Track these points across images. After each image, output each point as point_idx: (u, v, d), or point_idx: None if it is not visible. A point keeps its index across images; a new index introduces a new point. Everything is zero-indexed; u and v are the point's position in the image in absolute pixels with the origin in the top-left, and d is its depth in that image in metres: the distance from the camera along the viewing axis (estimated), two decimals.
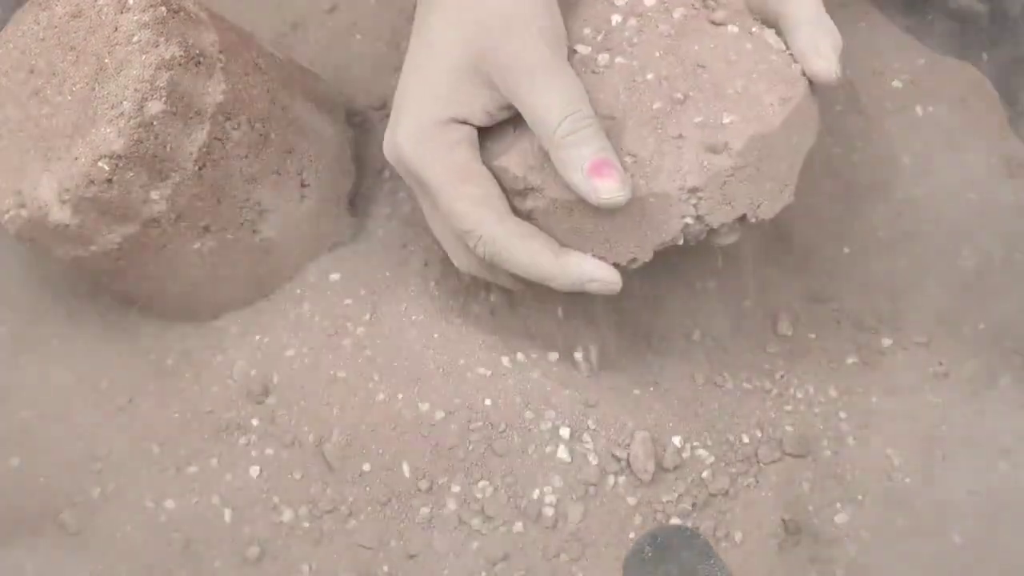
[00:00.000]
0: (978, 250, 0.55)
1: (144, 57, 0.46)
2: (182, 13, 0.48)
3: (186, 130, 0.47)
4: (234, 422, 0.51)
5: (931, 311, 0.54)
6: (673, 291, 0.55)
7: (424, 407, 0.50)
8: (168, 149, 0.47)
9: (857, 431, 0.51)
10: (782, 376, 0.53)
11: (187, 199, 0.48)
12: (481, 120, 0.44)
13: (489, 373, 0.50)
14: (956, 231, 0.56)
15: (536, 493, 0.48)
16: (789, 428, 0.51)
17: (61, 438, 0.52)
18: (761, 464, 0.50)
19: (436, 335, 0.52)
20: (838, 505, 0.49)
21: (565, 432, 0.49)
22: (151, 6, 0.47)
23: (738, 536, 0.48)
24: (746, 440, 0.50)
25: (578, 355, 0.51)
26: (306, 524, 0.49)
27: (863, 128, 0.59)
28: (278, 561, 0.49)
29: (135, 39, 0.46)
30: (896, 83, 0.60)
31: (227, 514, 0.49)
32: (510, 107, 0.43)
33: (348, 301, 0.53)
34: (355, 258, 0.55)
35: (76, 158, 0.46)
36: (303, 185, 0.53)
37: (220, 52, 0.49)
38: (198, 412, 0.52)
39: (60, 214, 0.46)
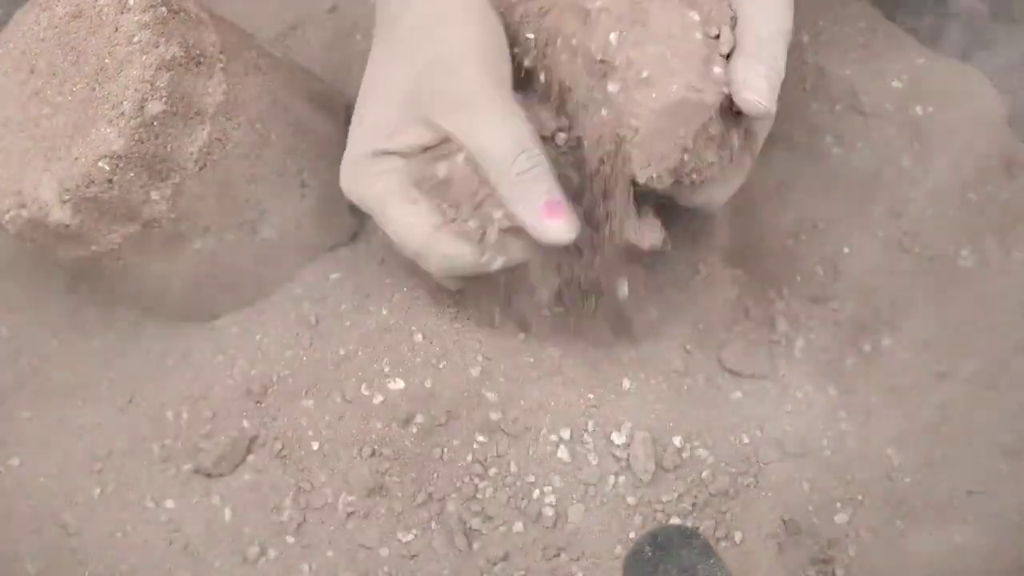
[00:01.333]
0: (978, 250, 0.55)
1: (144, 57, 0.46)
2: (182, 13, 0.48)
3: (186, 130, 0.47)
4: (234, 422, 0.51)
5: (931, 311, 0.54)
6: (673, 290, 0.55)
7: (425, 407, 0.50)
8: (168, 149, 0.47)
9: (857, 431, 0.51)
10: (782, 376, 0.53)
11: (187, 199, 0.48)
12: (413, 153, 0.45)
13: (489, 374, 0.50)
14: (956, 231, 0.56)
15: (536, 493, 0.48)
16: (789, 428, 0.51)
17: (61, 438, 0.52)
18: (761, 464, 0.50)
19: (436, 336, 0.52)
20: (838, 505, 0.49)
21: (565, 432, 0.49)
22: (151, 6, 0.47)
23: (738, 536, 0.48)
24: (746, 440, 0.50)
25: (579, 356, 0.51)
26: (306, 524, 0.49)
27: (863, 128, 0.59)
28: (278, 561, 0.49)
29: (135, 39, 0.46)
30: (896, 83, 0.60)
31: (227, 514, 0.49)
32: (442, 143, 0.45)
33: (348, 301, 0.53)
34: (355, 258, 0.55)
35: (76, 158, 0.46)
36: (303, 185, 0.53)
37: (220, 52, 0.49)
38: (198, 412, 0.52)
39: (60, 214, 0.46)
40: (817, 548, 0.48)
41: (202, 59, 0.47)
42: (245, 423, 0.51)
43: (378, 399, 0.50)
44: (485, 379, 0.50)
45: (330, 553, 0.49)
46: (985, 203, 0.57)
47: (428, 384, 0.50)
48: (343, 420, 0.50)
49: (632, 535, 0.47)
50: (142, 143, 0.46)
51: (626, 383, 0.51)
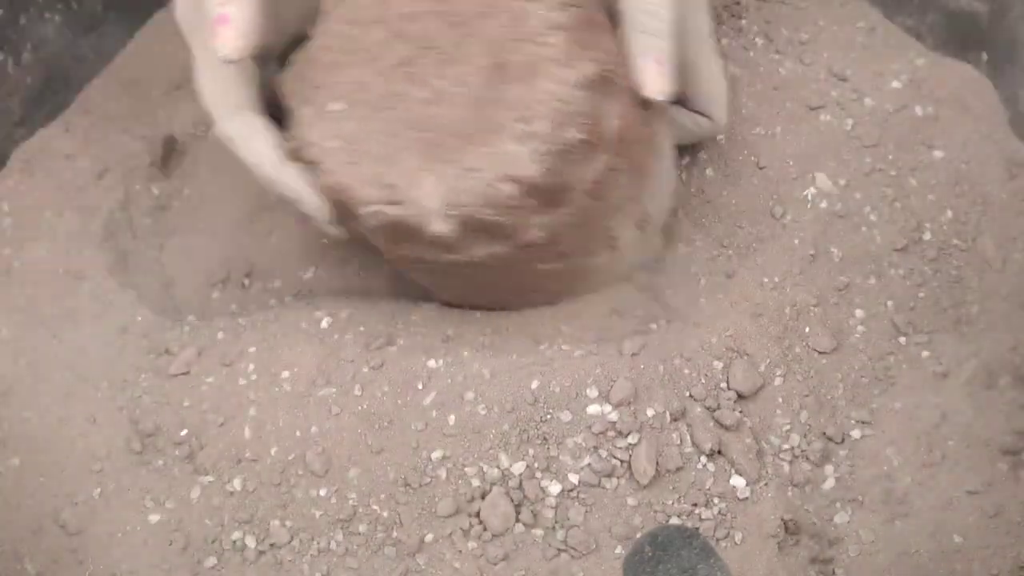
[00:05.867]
0: (978, 250, 0.55)
1: (563, 71, 0.39)
2: (595, 19, 0.41)
3: (588, 158, 0.41)
4: (237, 422, 0.51)
5: (931, 311, 0.54)
6: (673, 292, 0.55)
7: (428, 406, 0.50)
8: (567, 178, 0.41)
9: (857, 431, 0.51)
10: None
11: (564, 227, 0.43)
12: None
13: (487, 373, 0.50)
14: (957, 231, 0.56)
15: (536, 493, 0.48)
16: (789, 429, 0.51)
17: (61, 438, 0.52)
18: (762, 464, 0.50)
19: (437, 339, 0.52)
20: (838, 505, 0.49)
21: (566, 433, 0.49)
22: (568, 5, 0.39)
23: (738, 536, 0.48)
24: (749, 441, 0.50)
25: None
26: (306, 524, 0.49)
27: (863, 128, 0.59)
28: (278, 561, 0.49)
29: (549, 41, 0.39)
30: (896, 83, 0.60)
31: (226, 515, 0.49)
32: None
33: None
34: None
35: (472, 169, 0.39)
36: (645, 212, 0.49)
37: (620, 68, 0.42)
38: (199, 412, 0.52)
39: (441, 226, 0.40)
40: (817, 548, 0.48)
41: (610, 76, 0.40)
42: (247, 427, 0.51)
43: (382, 399, 0.50)
44: (485, 380, 0.50)
45: (330, 554, 0.49)
46: (985, 203, 0.57)
47: (431, 383, 0.50)
48: (339, 422, 0.50)
49: (632, 535, 0.47)
50: (552, 172, 0.39)
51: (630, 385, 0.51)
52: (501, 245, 0.43)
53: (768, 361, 0.51)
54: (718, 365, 0.50)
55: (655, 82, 0.42)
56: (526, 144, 0.39)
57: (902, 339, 0.53)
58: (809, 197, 0.56)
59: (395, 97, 0.40)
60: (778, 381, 0.51)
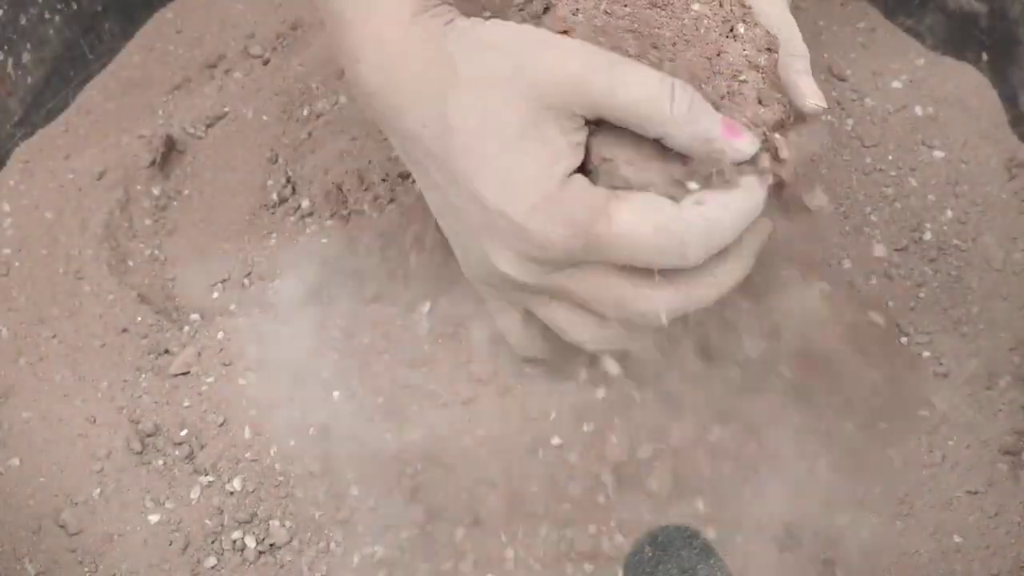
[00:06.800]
0: (978, 250, 0.55)
1: (758, 108, 0.40)
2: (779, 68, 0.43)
3: None
4: (238, 423, 0.51)
5: (931, 311, 0.54)
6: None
7: (426, 406, 0.50)
8: None
9: (857, 431, 0.51)
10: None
11: None
12: (578, 155, 0.40)
13: (485, 376, 0.50)
14: (956, 231, 0.56)
15: (537, 496, 0.48)
16: (790, 429, 0.51)
17: (61, 438, 0.52)
18: (763, 465, 0.50)
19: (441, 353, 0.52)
20: (839, 506, 0.49)
21: (567, 439, 0.49)
22: (767, 50, 0.41)
23: (739, 537, 0.48)
24: (754, 447, 0.50)
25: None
26: (306, 524, 0.49)
27: (863, 128, 0.59)
28: (278, 561, 0.49)
29: (746, 79, 0.40)
30: (896, 83, 0.60)
31: (226, 515, 0.49)
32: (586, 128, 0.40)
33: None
34: None
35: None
36: None
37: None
38: (199, 412, 0.52)
39: None
40: (818, 548, 0.48)
41: (787, 122, 0.42)
42: (247, 427, 0.51)
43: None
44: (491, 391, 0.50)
45: (329, 555, 0.48)
46: (985, 203, 0.57)
47: (436, 388, 0.50)
48: (332, 425, 0.50)
49: (632, 536, 0.47)
50: None
51: (633, 395, 0.51)
52: None
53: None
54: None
55: (817, 94, 0.43)
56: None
57: (903, 339, 0.53)
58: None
59: None
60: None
